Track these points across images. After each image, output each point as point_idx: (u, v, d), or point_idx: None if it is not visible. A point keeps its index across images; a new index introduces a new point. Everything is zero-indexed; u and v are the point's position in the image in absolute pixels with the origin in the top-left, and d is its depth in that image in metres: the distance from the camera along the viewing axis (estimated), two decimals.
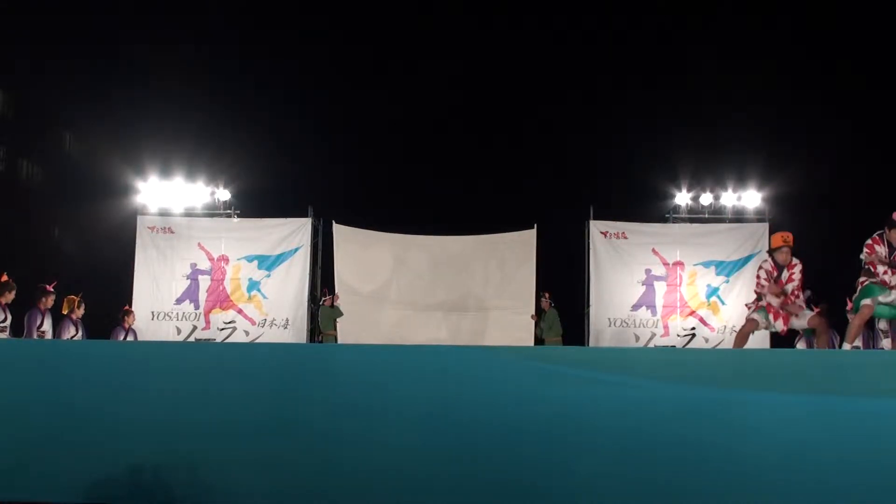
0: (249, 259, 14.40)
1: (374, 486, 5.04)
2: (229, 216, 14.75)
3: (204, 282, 14.31)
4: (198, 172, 14.85)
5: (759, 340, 13.29)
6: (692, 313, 14.33)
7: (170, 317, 14.19)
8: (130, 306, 12.63)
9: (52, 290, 9.71)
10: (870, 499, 4.87)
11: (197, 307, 14.22)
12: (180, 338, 13.91)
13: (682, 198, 14.79)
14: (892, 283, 7.33)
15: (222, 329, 14.13)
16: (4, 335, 8.78)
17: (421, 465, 5.07)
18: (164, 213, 14.56)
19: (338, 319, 14.05)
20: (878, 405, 5.00)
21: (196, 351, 7.27)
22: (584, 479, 5.01)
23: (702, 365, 5.54)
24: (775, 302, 7.79)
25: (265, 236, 14.50)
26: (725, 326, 14.16)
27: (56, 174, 33.71)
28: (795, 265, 7.87)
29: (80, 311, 10.42)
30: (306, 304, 14.35)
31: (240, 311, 14.26)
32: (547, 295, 14.18)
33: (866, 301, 7.39)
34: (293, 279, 14.36)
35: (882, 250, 7.38)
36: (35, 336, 9.26)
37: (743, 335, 8.02)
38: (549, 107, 27.43)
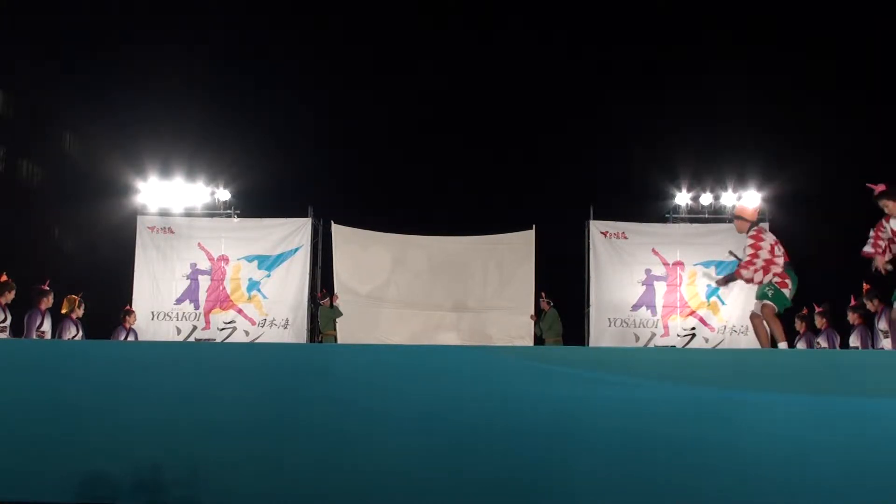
0: (249, 259, 14.38)
1: (373, 486, 5.04)
2: (229, 216, 14.74)
3: (204, 282, 14.30)
4: (198, 172, 14.83)
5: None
6: (692, 313, 14.31)
7: (170, 317, 14.18)
8: (131, 306, 12.61)
9: (47, 289, 9.68)
10: (870, 499, 4.87)
11: (197, 307, 14.21)
12: (180, 338, 13.89)
13: (682, 198, 14.77)
14: None
15: (222, 329, 14.11)
16: (4, 335, 8.75)
17: (421, 465, 5.07)
18: (164, 213, 14.54)
19: (338, 319, 14.04)
20: (878, 405, 5.00)
21: (196, 351, 7.28)
22: (584, 479, 5.01)
23: (702, 365, 5.54)
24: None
25: (265, 236, 14.48)
26: (725, 326, 14.15)
27: (56, 174, 33.71)
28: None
29: (80, 311, 10.40)
30: (306, 304, 14.34)
31: (240, 311, 14.24)
32: (545, 296, 14.19)
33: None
34: (293, 279, 14.35)
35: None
36: (35, 336, 9.24)
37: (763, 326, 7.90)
38: (550, 107, 27.47)
